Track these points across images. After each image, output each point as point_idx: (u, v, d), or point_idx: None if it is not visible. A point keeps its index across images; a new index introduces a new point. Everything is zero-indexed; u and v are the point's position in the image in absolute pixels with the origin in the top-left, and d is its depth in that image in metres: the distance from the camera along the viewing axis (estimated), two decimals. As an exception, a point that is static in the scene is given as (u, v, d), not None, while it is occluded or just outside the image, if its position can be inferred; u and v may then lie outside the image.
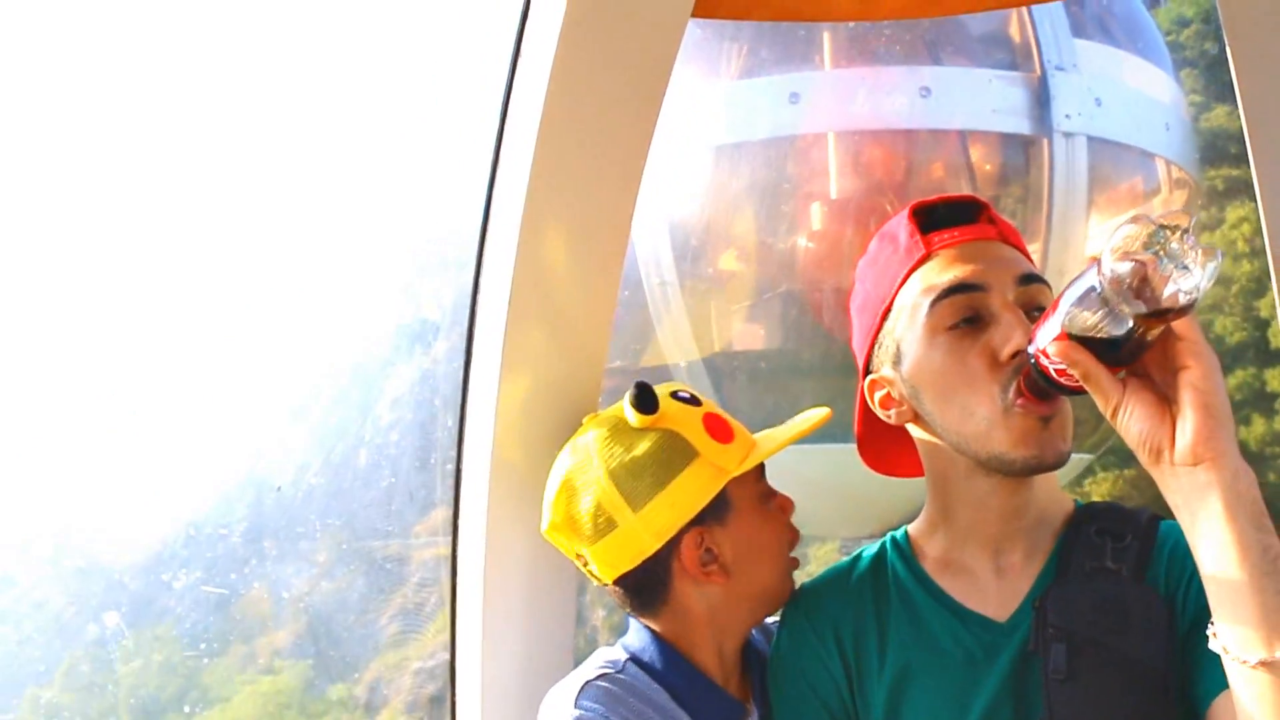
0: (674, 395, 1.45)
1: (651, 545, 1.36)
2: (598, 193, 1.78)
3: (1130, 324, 0.95)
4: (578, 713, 1.30)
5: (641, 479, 1.36)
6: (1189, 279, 0.92)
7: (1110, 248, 0.96)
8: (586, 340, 1.82)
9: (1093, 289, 0.98)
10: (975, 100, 6.38)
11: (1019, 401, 1.19)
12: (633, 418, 1.39)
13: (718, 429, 1.42)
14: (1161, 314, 0.93)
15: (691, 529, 1.38)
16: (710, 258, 6.78)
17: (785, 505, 1.48)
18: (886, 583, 1.37)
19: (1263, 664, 0.93)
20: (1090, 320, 0.98)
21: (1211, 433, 0.94)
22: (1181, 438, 0.94)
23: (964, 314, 1.25)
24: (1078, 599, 1.21)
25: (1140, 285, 0.93)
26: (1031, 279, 1.27)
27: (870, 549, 1.44)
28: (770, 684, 1.40)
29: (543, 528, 1.47)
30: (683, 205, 6.67)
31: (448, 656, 1.92)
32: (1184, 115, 7.34)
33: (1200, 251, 0.91)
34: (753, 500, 1.44)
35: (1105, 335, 0.97)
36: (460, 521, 1.85)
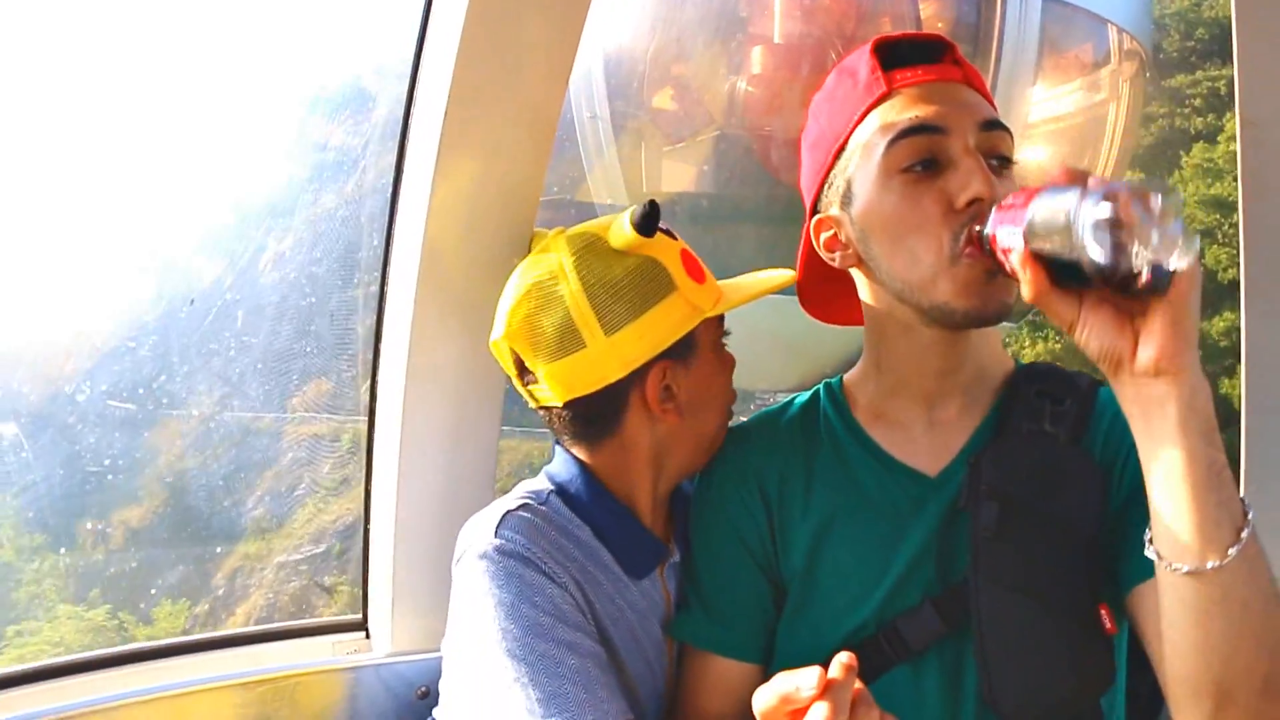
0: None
1: (616, 372, 1.31)
2: (541, 13, 1.65)
3: (1088, 274, 0.89)
4: (498, 541, 1.26)
5: (619, 301, 1.30)
6: (1163, 257, 0.85)
7: (1103, 186, 0.88)
8: (524, 162, 1.71)
9: (1066, 213, 0.90)
10: (933, -50, 6.20)
11: (966, 251, 1.14)
12: (628, 234, 1.30)
13: (693, 267, 1.35)
14: (1121, 281, 0.87)
15: (659, 362, 1.32)
16: (646, 94, 6.59)
17: (730, 361, 1.44)
18: (817, 430, 1.33)
19: (1192, 573, 0.93)
20: (1052, 245, 0.92)
21: (1177, 348, 0.90)
22: (1145, 350, 0.91)
23: (921, 156, 1.17)
24: (1013, 459, 1.19)
25: (1113, 236, 0.86)
26: (994, 125, 1.18)
27: (802, 396, 1.42)
28: (693, 523, 1.39)
29: (494, 336, 1.37)
30: (619, 37, 6.43)
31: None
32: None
33: (1182, 240, 0.85)
34: (713, 346, 1.38)
35: (1065, 261, 0.92)
36: (382, 342, 1.78)
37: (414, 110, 1.76)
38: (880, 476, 1.27)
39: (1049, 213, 0.93)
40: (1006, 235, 1.00)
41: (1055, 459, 1.19)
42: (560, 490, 1.36)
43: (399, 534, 1.77)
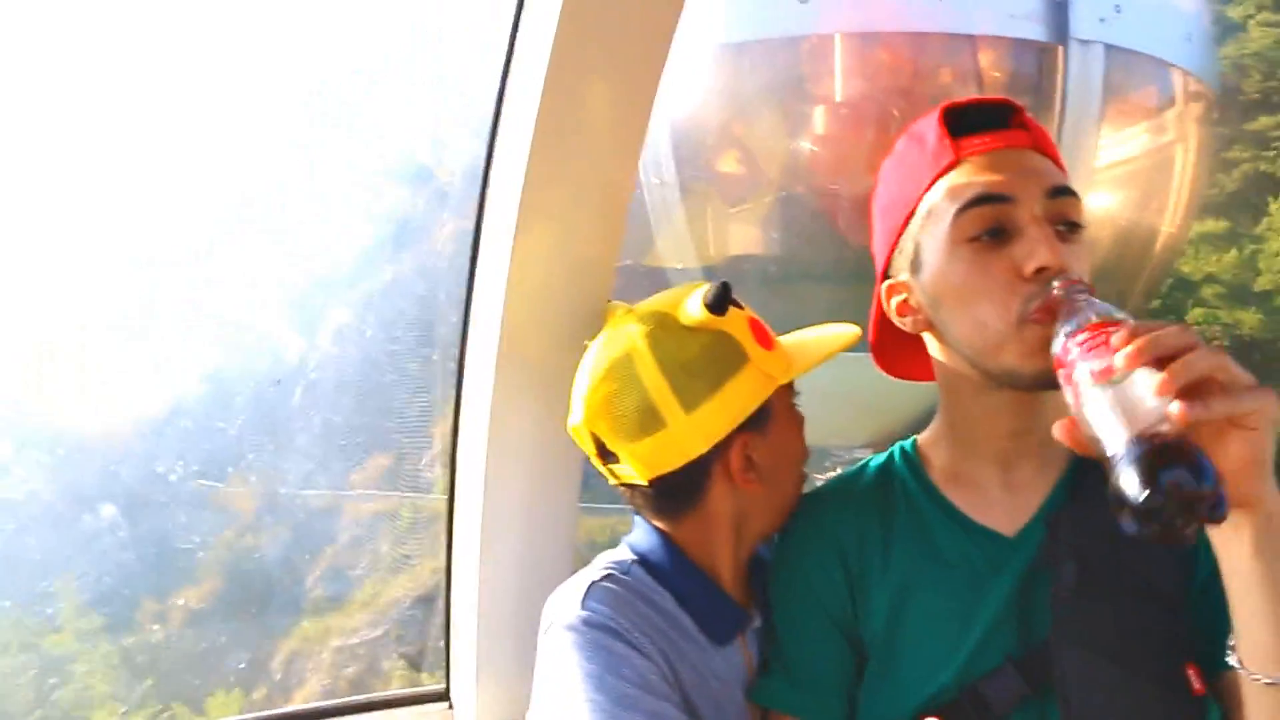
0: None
1: (699, 447, 1.32)
2: (616, 83, 1.70)
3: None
4: (584, 613, 1.27)
5: (696, 379, 1.31)
6: (1200, 513, 0.86)
7: (1149, 448, 0.88)
8: (597, 235, 1.76)
9: (1109, 457, 0.90)
10: (991, 5, 6.22)
11: (1034, 316, 1.15)
12: (698, 314, 1.32)
13: (762, 335, 1.37)
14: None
15: (740, 434, 1.33)
16: (711, 159, 6.68)
17: (801, 420, 1.43)
18: (893, 492, 1.34)
19: (1273, 684, 0.95)
20: (1097, 450, 0.93)
21: (1251, 485, 0.90)
22: (1226, 474, 0.89)
23: (989, 225, 1.18)
24: (1091, 519, 1.17)
25: (1142, 518, 0.87)
26: (1061, 191, 1.18)
27: (878, 458, 1.41)
28: (772, 588, 1.38)
29: (573, 421, 1.39)
30: (685, 104, 6.54)
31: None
32: (1206, 25, 7.19)
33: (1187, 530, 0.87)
34: (786, 410, 1.39)
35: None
36: (461, 416, 1.82)
37: (489, 188, 1.82)
38: (958, 538, 1.26)
39: (1095, 425, 0.93)
40: (1062, 373, 1.00)
41: None
42: (642, 560, 1.37)
43: (482, 604, 1.79)
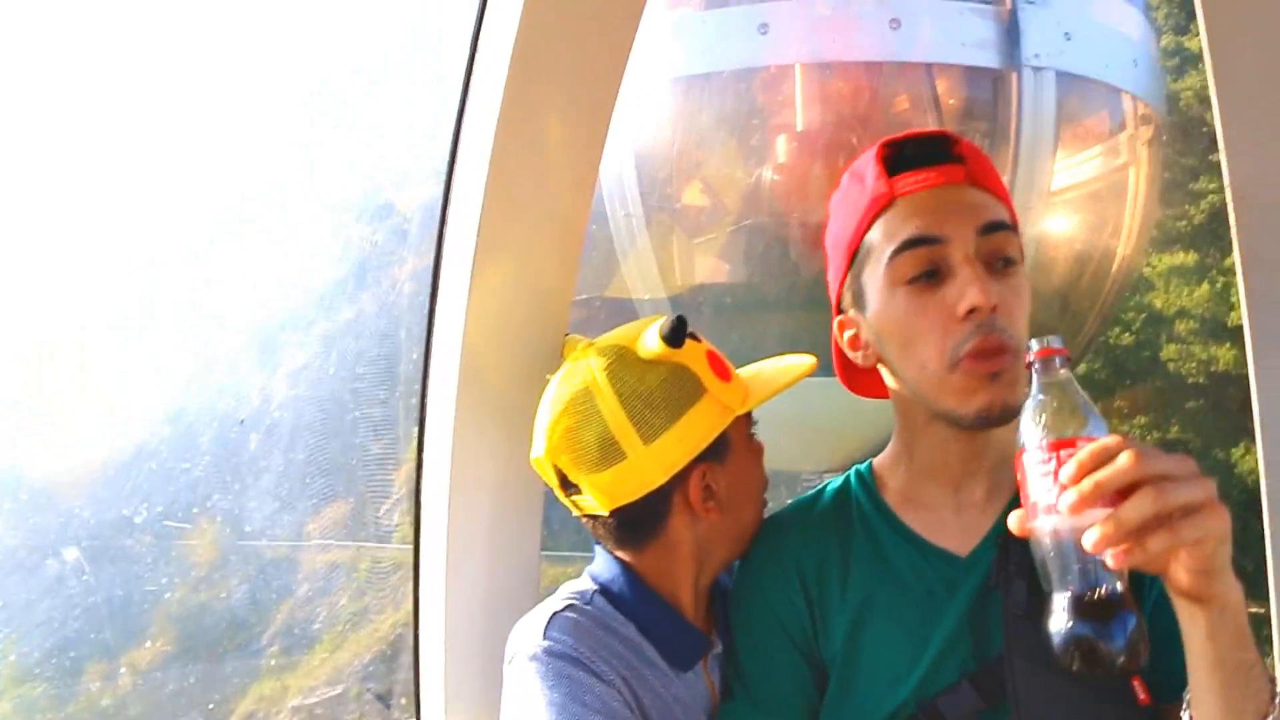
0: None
1: (659, 478, 1.34)
2: (569, 120, 1.74)
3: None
4: (546, 643, 1.29)
5: (655, 411, 1.34)
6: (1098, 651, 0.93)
7: (1083, 593, 0.93)
8: (554, 270, 1.79)
9: (1053, 597, 0.95)
10: (945, 33, 6.34)
11: (965, 360, 1.18)
12: (655, 347, 1.35)
13: (719, 368, 1.39)
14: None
15: (698, 465, 1.36)
16: (675, 190, 6.74)
17: (760, 449, 1.47)
18: (850, 515, 1.35)
19: None
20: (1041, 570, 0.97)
21: (1203, 585, 0.93)
22: (1174, 580, 0.94)
23: (923, 268, 1.21)
24: None
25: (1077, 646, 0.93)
26: (993, 228, 1.21)
27: (835, 482, 1.44)
28: (733, 613, 1.40)
29: (536, 454, 1.41)
30: (648, 137, 6.61)
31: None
32: (1153, 51, 7.37)
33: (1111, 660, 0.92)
34: (744, 440, 1.42)
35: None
36: (425, 453, 1.84)
37: (447, 225, 1.84)
38: (913, 558, 1.28)
39: (1036, 547, 0.96)
40: (1019, 474, 0.99)
41: None
42: (604, 589, 1.39)
43: (449, 638, 1.80)
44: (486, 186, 1.72)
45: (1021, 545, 1.19)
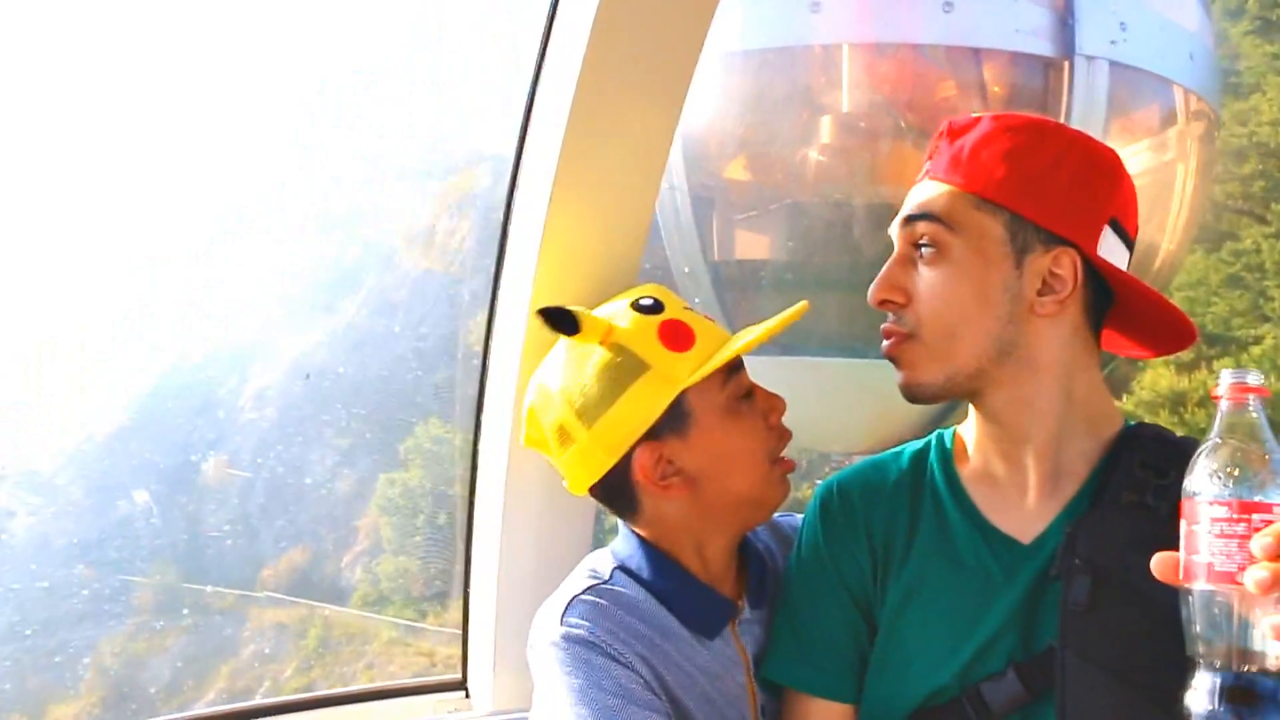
0: (635, 304, 1.39)
1: (606, 461, 1.35)
2: (646, 94, 1.76)
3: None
4: (564, 629, 1.31)
5: (592, 395, 1.34)
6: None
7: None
8: (623, 240, 1.81)
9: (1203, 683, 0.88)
10: (998, 18, 6.28)
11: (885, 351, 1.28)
12: (568, 337, 1.38)
13: (675, 337, 1.35)
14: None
15: (644, 443, 1.34)
16: (720, 165, 6.74)
17: (771, 406, 1.40)
18: (923, 484, 1.34)
19: None
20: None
21: None
22: None
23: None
24: (1110, 532, 1.18)
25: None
26: (912, 219, 1.26)
27: (914, 445, 1.40)
28: (795, 565, 1.39)
29: (522, 440, 1.47)
30: (695, 111, 6.60)
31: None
32: (1209, 45, 7.25)
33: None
34: (716, 409, 1.36)
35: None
36: (485, 403, 1.87)
37: (517, 194, 1.87)
38: (974, 540, 1.28)
39: (1193, 611, 0.90)
40: (1185, 519, 0.92)
41: (1153, 535, 1.09)
42: (622, 565, 1.40)
43: (500, 594, 1.85)
44: (560, 154, 1.74)
45: (1088, 537, 1.18)
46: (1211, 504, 0.87)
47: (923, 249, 1.25)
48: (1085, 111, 6.19)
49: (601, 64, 1.71)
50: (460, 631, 1.97)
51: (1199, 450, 0.90)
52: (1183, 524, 0.90)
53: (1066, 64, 6.27)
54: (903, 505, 1.34)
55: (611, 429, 1.33)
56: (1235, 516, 0.85)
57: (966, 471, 1.33)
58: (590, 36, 1.68)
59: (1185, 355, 11.38)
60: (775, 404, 1.41)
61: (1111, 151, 1.30)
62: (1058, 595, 1.18)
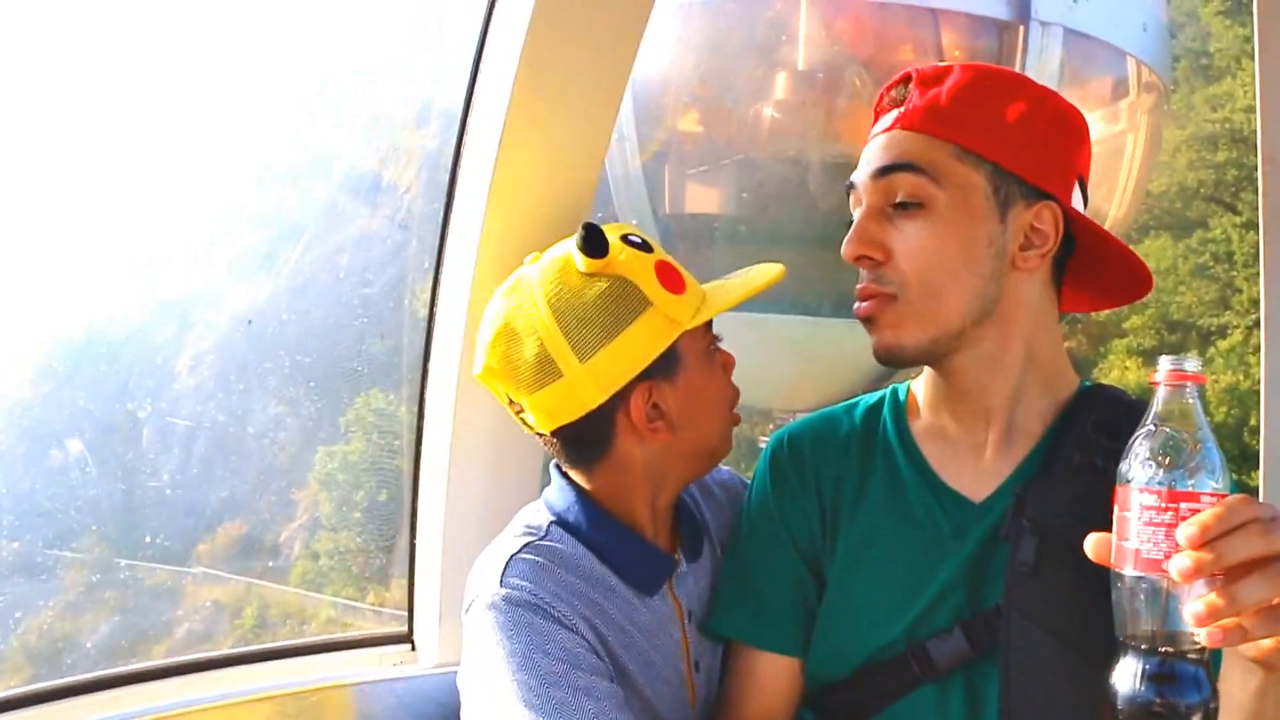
0: (625, 239, 1.33)
1: (597, 398, 1.28)
2: (597, 42, 1.71)
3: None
4: (504, 590, 1.24)
5: (590, 327, 1.27)
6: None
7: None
8: (572, 190, 1.77)
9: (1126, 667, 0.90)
10: (957, -21, 6.29)
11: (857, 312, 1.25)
12: (580, 262, 1.28)
13: (670, 278, 1.31)
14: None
15: (640, 383, 1.29)
16: (672, 118, 6.69)
17: (728, 362, 1.39)
18: (875, 439, 1.33)
19: None
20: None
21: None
22: (1252, 650, 0.90)
23: (852, 211, 1.25)
24: (1059, 494, 1.18)
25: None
26: (884, 171, 1.21)
27: (869, 398, 1.38)
28: (745, 519, 1.38)
29: (475, 371, 1.35)
30: (648, 62, 6.52)
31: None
32: (1162, 16, 7.33)
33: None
34: (700, 355, 1.35)
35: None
36: (432, 354, 1.82)
37: (465, 144, 1.83)
38: (925, 498, 1.27)
39: (1120, 593, 0.91)
40: (1117, 506, 0.92)
41: (1102, 497, 1.11)
42: (560, 519, 1.35)
43: (446, 546, 1.82)
44: (510, 102, 1.70)
45: (1038, 498, 1.18)
46: (1142, 491, 0.88)
47: (903, 202, 1.20)
48: (1039, 75, 6.22)
49: (552, 10, 1.66)
50: (407, 586, 1.94)
51: (1134, 435, 0.90)
52: (1115, 508, 0.90)
53: (1022, 28, 6.29)
54: (853, 459, 1.33)
55: (609, 364, 1.27)
56: (1164, 505, 0.86)
57: (919, 428, 1.32)
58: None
59: (1149, 344, 11.50)
60: (730, 359, 1.40)
61: (1077, 109, 1.27)
62: (1005, 555, 1.18)
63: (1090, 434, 1.21)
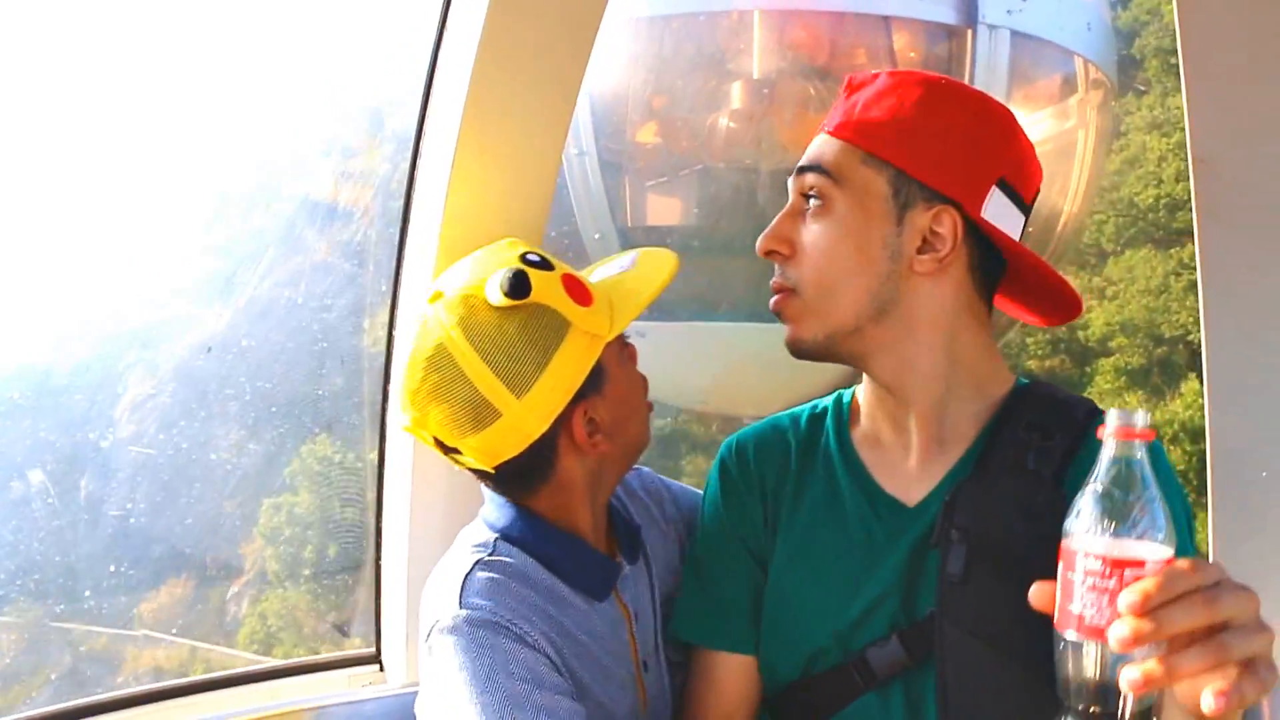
0: (526, 260, 1.29)
1: (540, 428, 1.27)
2: (548, 53, 1.74)
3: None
4: (464, 612, 1.23)
5: (522, 361, 1.24)
6: None
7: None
8: (526, 205, 1.80)
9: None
10: (905, -15, 6.37)
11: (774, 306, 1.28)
12: (495, 298, 1.24)
13: (577, 292, 1.29)
14: None
15: (577, 404, 1.28)
16: (630, 131, 6.72)
17: (634, 354, 1.39)
18: (817, 444, 1.34)
19: None
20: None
21: (1224, 717, 0.85)
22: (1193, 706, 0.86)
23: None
24: (988, 498, 1.18)
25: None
26: (801, 170, 1.25)
27: (819, 403, 1.40)
28: (700, 525, 1.39)
29: (403, 425, 1.32)
30: (605, 75, 6.56)
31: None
32: (1105, 16, 7.46)
33: None
34: (617, 358, 1.34)
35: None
36: (393, 373, 1.83)
37: (420, 158, 1.85)
38: (860, 502, 1.28)
39: (1060, 655, 0.89)
40: (1062, 564, 0.90)
41: (1032, 499, 1.16)
42: (504, 535, 1.34)
43: (411, 568, 1.83)
44: (462, 119, 1.72)
45: (967, 506, 1.18)
46: (1086, 555, 0.86)
47: (810, 200, 1.24)
48: (988, 79, 6.32)
49: (501, 30, 1.68)
50: (374, 607, 1.95)
51: (1080, 492, 0.88)
52: (1060, 566, 0.89)
53: (969, 32, 6.38)
54: (793, 462, 1.35)
55: (546, 394, 1.26)
56: (1107, 570, 0.85)
57: (859, 433, 1.34)
58: (488, 13, 1.65)
59: (1136, 363, 11.04)
60: (633, 350, 1.40)
61: (1005, 111, 1.28)
62: (936, 562, 1.19)
63: (1022, 433, 1.22)
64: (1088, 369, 11.82)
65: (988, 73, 6.33)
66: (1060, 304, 1.32)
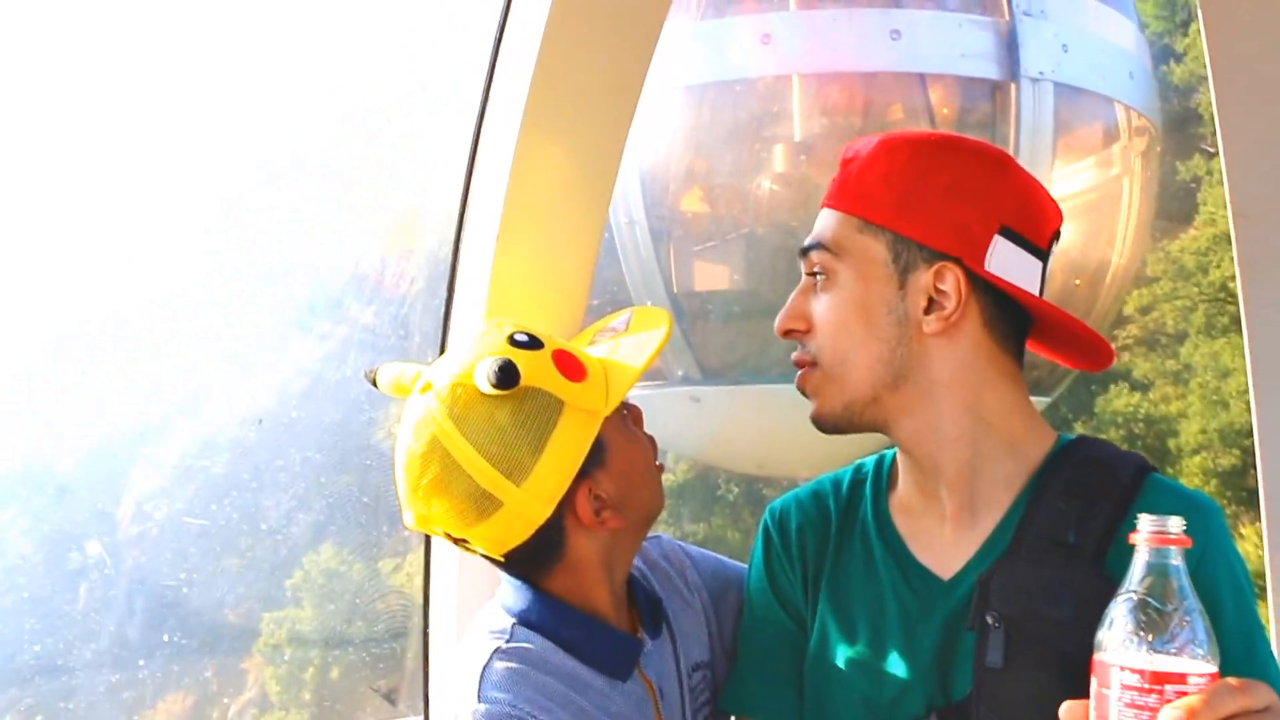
0: (511, 340, 1.28)
1: (543, 513, 1.24)
2: (590, 128, 1.78)
3: None
4: (483, 706, 1.20)
5: (516, 448, 1.22)
6: None
7: None
8: (570, 278, 1.83)
9: None
10: (944, 44, 6.42)
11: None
12: (484, 388, 1.21)
13: (569, 367, 1.26)
14: None
15: (580, 482, 1.25)
16: (677, 198, 6.82)
17: (638, 416, 1.36)
18: (856, 511, 1.31)
19: None
20: None
21: None
22: None
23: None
24: (1025, 579, 1.14)
25: None
26: (805, 250, 1.25)
27: (868, 463, 1.36)
28: (747, 597, 1.38)
29: (408, 523, 1.29)
30: (651, 145, 6.68)
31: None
32: (1147, 63, 7.45)
33: None
34: (619, 428, 1.31)
35: None
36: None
37: (464, 238, 1.88)
38: (894, 574, 1.25)
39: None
40: (1095, 679, 0.88)
41: (1070, 581, 1.11)
42: (522, 620, 1.31)
43: (461, 634, 1.84)
44: (506, 191, 1.75)
45: (1003, 590, 1.13)
46: (1123, 670, 0.82)
47: (817, 277, 1.24)
48: (1033, 130, 6.33)
49: (546, 100, 1.72)
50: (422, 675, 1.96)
51: (1113, 601, 0.84)
52: (1093, 680, 0.85)
53: (1013, 86, 6.41)
54: (833, 530, 1.33)
55: (545, 479, 1.23)
56: (1147, 686, 0.81)
57: (895, 500, 1.30)
58: (533, 76, 1.69)
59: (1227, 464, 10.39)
60: (637, 411, 1.37)
61: (1001, 157, 1.25)
62: (971, 640, 1.14)
63: (1060, 504, 1.17)
64: (1169, 470, 11.01)
65: (1033, 125, 6.34)
66: (1089, 352, 1.28)
